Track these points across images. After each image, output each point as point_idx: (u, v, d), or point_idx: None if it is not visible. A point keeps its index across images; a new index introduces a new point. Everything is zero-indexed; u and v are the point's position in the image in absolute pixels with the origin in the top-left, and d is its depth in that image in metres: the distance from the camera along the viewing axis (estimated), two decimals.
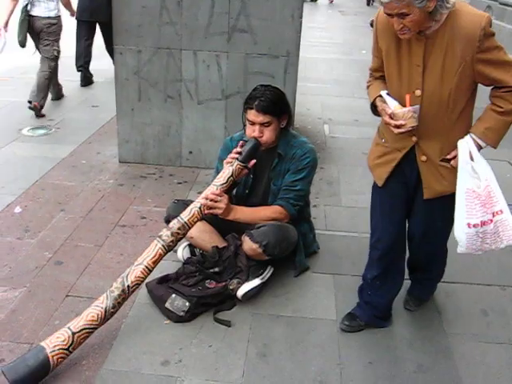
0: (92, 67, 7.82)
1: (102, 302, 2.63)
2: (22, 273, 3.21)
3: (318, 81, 8.33)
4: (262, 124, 3.01)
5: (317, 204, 4.17)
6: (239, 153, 2.97)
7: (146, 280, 2.86)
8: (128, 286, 2.69)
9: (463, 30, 2.16)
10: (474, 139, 2.32)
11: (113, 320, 2.72)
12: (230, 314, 2.94)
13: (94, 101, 6.98)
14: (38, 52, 6.45)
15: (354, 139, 5.63)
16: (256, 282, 3.03)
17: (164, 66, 4.55)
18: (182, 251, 3.30)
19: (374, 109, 2.53)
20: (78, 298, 3.00)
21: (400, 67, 2.35)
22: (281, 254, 3.07)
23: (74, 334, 2.50)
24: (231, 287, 2.99)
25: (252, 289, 3.00)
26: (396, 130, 2.33)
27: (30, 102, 6.09)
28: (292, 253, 3.22)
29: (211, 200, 2.89)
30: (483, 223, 2.30)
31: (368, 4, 22.97)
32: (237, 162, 2.94)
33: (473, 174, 2.30)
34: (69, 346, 2.47)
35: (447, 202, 2.45)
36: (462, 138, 2.34)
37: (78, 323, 2.54)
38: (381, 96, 2.43)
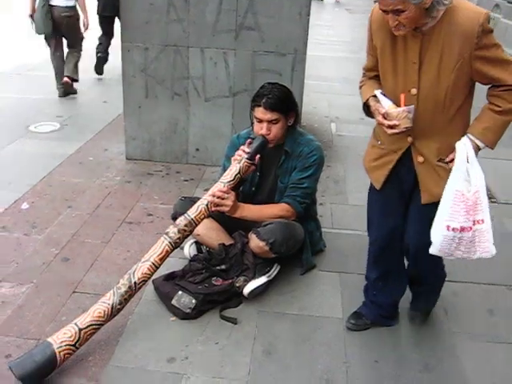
0: None
1: (109, 299, 2.64)
2: (28, 269, 3.22)
3: (326, 79, 8.31)
4: (269, 121, 3.00)
5: (323, 202, 4.16)
6: (247, 152, 2.96)
7: (153, 277, 2.87)
8: (135, 283, 2.70)
9: (461, 27, 2.11)
10: (471, 140, 2.25)
11: (119, 317, 2.73)
12: (237, 312, 2.94)
13: (102, 98, 6.99)
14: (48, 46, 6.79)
15: (360, 138, 5.60)
16: (262, 279, 3.03)
17: (171, 63, 4.56)
18: (189, 248, 3.31)
19: (367, 109, 2.46)
20: (84, 295, 3.01)
21: (395, 65, 2.29)
22: (287, 251, 3.07)
23: (80, 330, 2.51)
24: (238, 285, 2.99)
25: (258, 286, 3.00)
26: (389, 131, 2.26)
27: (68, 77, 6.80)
28: (299, 251, 3.21)
29: (218, 197, 2.89)
30: (462, 229, 2.23)
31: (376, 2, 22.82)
32: (244, 159, 2.94)
33: (466, 176, 2.22)
34: (75, 342, 2.48)
35: None
36: (460, 137, 2.26)
37: (84, 319, 2.55)
38: (374, 96, 2.37)
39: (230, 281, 3.00)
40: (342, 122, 6.18)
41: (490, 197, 4.48)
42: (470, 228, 2.24)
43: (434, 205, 2.31)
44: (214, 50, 4.48)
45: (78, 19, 6.70)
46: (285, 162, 3.16)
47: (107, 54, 7.72)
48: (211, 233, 3.19)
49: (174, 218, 3.02)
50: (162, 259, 2.80)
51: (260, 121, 3.02)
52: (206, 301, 2.89)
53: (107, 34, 7.72)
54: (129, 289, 2.68)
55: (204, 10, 4.36)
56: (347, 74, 8.61)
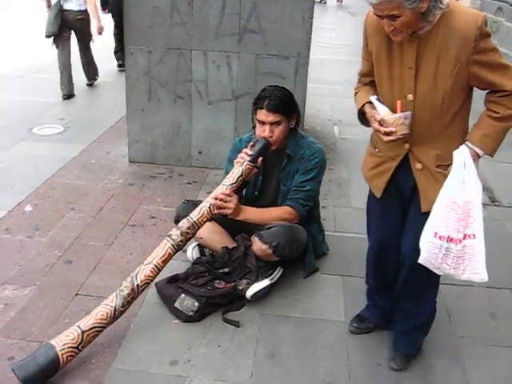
0: (102, 67, 7.87)
1: (112, 301, 2.64)
2: (32, 271, 3.23)
3: (328, 82, 8.32)
4: (272, 123, 3.01)
5: (326, 205, 4.16)
6: (250, 154, 2.97)
7: (156, 279, 2.87)
8: (137, 285, 2.70)
9: (458, 31, 2.04)
10: (470, 148, 2.18)
11: (122, 319, 2.73)
12: (239, 315, 2.94)
13: (105, 101, 7.00)
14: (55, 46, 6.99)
15: (363, 141, 5.55)
16: (265, 282, 3.04)
17: (174, 66, 4.57)
18: (192, 251, 3.31)
19: (362, 116, 2.40)
20: (87, 297, 3.02)
21: (391, 70, 2.22)
22: (290, 254, 3.07)
23: (83, 332, 2.51)
24: (240, 287, 2.99)
25: (261, 289, 3.00)
26: (386, 138, 2.20)
27: (88, 84, 7.58)
28: (301, 254, 3.21)
29: (221, 200, 2.89)
30: (450, 239, 2.14)
31: None
32: (247, 162, 2.94)
33: (461, 184, 2.14)
34: (78, 345, 2.48)
35: None
36: (459, 142, 2.20)
37: (87, 322, 2.55)
38: (370, 102, 2.30)
39: (233, 284, 3.00)
40: (345, 124, 6.19)
41: (493, 200, 4.48)
42: (460, 241, 2.15)
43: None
44: (217, 54, 4.49)
45: (89, 21, 7.11)
46: (287, 165, 3.16)
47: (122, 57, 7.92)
48: (214, 236, 3.20)
49: (177, 221, 3.02)
50: (165, 262, 2.80)
51: (262, 123, 3.03)
52: (208, 304, 2.89)
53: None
54: (131, 291, 2.69)
55: (207, 14, 4.37)
56: (350, 77, 8.55)
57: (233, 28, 4.39)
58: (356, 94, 2.49)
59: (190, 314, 2.84)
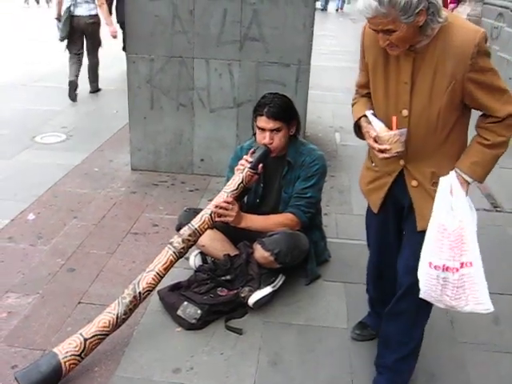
0: (103, 75, 7.91)
1: (114, 309, 2.65)
2: (34, 279, 3.23)
3: (330, 89, 8.34)
4: (272, 130, 3.02)
5: (328, 212, 4.17)
6: (250, 161, 2.98)
7: (158, 287, 2.87)
8: (139, 293, 2.71)
9: (455, 47, 1.95)
10: (459, 174, 2.10)
11: (125, 327, 2.74)
12: (242, 322, 2.94)
13: (107, 108, 7.03)
14: (68, 51, 7.37)
15: (365, 147, 5.58)
16: (267, 289, 3.04)
17: (176, 74, 4.59)
18: (194, 259, 3.31)
19: (358, 130, 2.33)
20: (90, 305, 3.02)
21: (387, 84, 2.14)
22: (292, 262, 3.07)
23: (86, 340, 2.51)
24: (243, 295, 2.99)
25: (263, 297, 3.00)
26: (380, 155, 2.13)
27: (92, 91, 7.68)
28: (303, 261, 3.22)
29: (222, 208, 2.90)
30: (446, 268, 2.05)
31: None
32: (247, 169, 2.95)
33: (449, 210, 2.06)
34: (81, 352, 2.49)
35: None
36: (456, 160, 2.13)
37: (89, 329, 2.56)
38: (366, 116, 2.23)
39: (235, 291, 3.01)
40: (347, 131, 6.18)
41: (495, 205, 4.48)
42: (457, 270, 2.05)
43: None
44: (219, 61, 4.51)
45: (99, 25, 7.36)
46: (288, 172, 3.17)
47: None
48: (216, 244, 3.20)
49: (179, 229, 3.02)
50: (167, 269, 2.81)
51: (262, 130, 3.04)
52: (211, 311, 2.89)
53: None
54: (133, 299, 2.69)
55: (209, 22, 4.39)
56: (351, 84, 8.55)
57: (234, 36, 4.41)
58: (353, 105, 2.42)
59: (193, 321, 2.84)
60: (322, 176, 3.20)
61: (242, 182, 2.95)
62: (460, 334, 2.91)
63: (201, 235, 2.90)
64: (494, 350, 2.82)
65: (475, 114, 2.15)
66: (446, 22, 1.95)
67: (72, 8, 6.94)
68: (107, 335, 2.62)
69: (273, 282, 3.09)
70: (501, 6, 9.73)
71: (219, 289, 3.02)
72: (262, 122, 3.02)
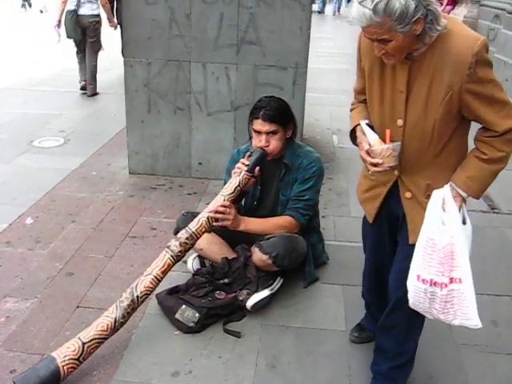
0: (101, 79, 7.93)
1: (112, 313, 2.65)
2: (33, 284, 3.23)
3: (327, 91, 8.35)
4: (268, 133, 3.03)
5: (326, 214, 4.17)
6: (246, 164, 2.98)
7: (156, 291, 2.88)
8: (137, 297, 2.71)
9: (452, 55, 1.85)
10: (454, 188, 2.02)
11: (123, 331, 2.74)
12: (240, 325, 2.94)
13: (105, 112, 7.03)
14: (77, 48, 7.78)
15: None
16: (265, 292, 3.04)
17: (173, 78, 4.59)
18: (192, 262, 3.32)
19: (354, 138, 2.25)
20: (88, 309, 3.02)
21: (382, 92, 2.06)
22: (290, 265, 3.08)
23: (84, 344, 2.52)
24: (241, 298, 2.99)
25: (261, 300, 3.01)
26: (372, 169, 2.06)
27: (85, 92, 7.79)
28: (301, 264, 3.22)
29: (219, 212, 2.90)
30: (434, 283, 1.99)
31: None
32: (244, 172, 2.96)
33: (440, 225, 1.98)
34: (79, 356, 2.49)
35: None
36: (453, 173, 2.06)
37: (88, 333, 2.56)
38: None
39: (234, 294, 3.01)
40: (344, 134, 6.17)
41: (493, 207, 4.49)
42: (445, 285, 1.99)
43: None
44: (216, 65, 4.52)
45: (101, 25, 7.65)
46: (285, 175, 3.18)
47: None
48: (213, 247, 3.20)
49: (177, 233, 3.03)
50: (164, 273, 2.81)
51: (259, 133, 3.04)
52: (209, 314, 2.90)
53: None
54: (131, 302, 2.69)
55: (205, 26, 4.40)
56: (349, 86, 8.58)
57: (231, 39, 4.42)
58: (351, 110, 2.36)
59: (191, 325, 2.85)
60: (319, 178, 3.21)
61: (238, 185, 2.95)
62: (458, 336, 2.91)
63: (198, 238, 2.90)
64: (491, 351, 2.82)
65: (475, 125, 2.08)
66: (446, 30, 1.84)
67: (76, 7, 7.27)
68: (105, 339, 2.62)
69: (271, 285, 3.10)
70: (497, 8, 9.77)
71: (217, 292, 3.02)
72: (258, 124, 3.03)
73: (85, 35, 7.54)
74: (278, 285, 3.16)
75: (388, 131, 2.03)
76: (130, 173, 4.94)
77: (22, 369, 2.52)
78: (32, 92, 7.95)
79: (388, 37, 1.79)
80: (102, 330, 2.59)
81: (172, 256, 2.81)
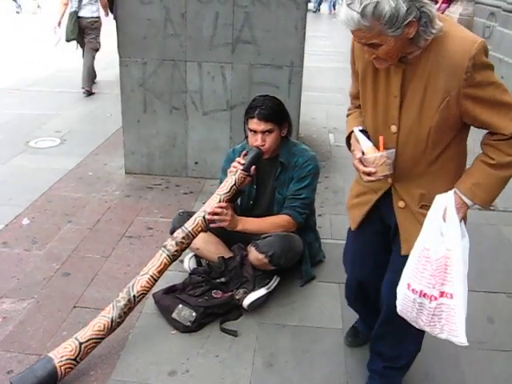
0: (97, 78, 7.96)
1: (109, 313, 2.65)
2: (29, 284, 3.23)
3: (323, 90, 8.36)
4: (263, 132, 3.03)
5: (322, 213, 4.18)
6: (242, 163, 2.99)
7: (152, 290, 2.88)
8: (134, 296, 2.71)
9: (448, 58, 1.74)
10: (458, 196, 1.89)
11: (120, 330, 2.74)
12: (237, 324, 2.95)
13: (101, 112, 7.03)
14: (79, 47, 7.94)
15: None
16: (262, 291, 3.04)
17: (169, 77, 4.59)
18: (189, 262, 3.32)
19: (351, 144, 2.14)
20: (85, 309, 3.02)
21: (376, 96, 1.96)
22: (286, 263, 3.08)
23: (81, 344, 2.52)
24: (237, 297, 3.00)
25: (258, 298, 3.01)
26: (365, 178, 1.96)
27: (83, 88, 7.80)
28: (298, 262, 3.23)
29: (215, 213, 2.90)
30: (423, 294, 1.90)
31: None
32: (240, 171, 2.96)
33: (438, 235, 1.88)
34: (76, 356, 2.49)
35: None
36: (450, 183, 1.94)
37: (85, 333, 2.56)
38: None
39: (230, 293, 3.02)
40: (340, 132, 6.19)
41: (489, 205, 4.49)
42: (435, 298, 1.90)
43: None
44: (211, 64, 4.52)
45: (100, 26, 7.82)
46: (281, 173, 3.18)
47: None
48: (210, 246, 3.21)
49: (173, 233, 3.03)
50: (161, 272, 2.81)
51: (254, 132, 3.05)
52: (206, 314, 2.90)
53: None
54: (128, 302, 2.69)
55: (201, 25, 4.40)
56: (345, 85, 8.62)
57: (226, 38, 4.42)
58: (348, 116, 2.26)
59: (188, 324, 2.85)
60: (315, 176, 3.21)
61: (234, 184, 2.96)
62: None
63: (194, 238, 2.90)
64: (488, 348, 2.83)
65: (473, 132, 2.01)
66: (441, 32, 1.73)
67: (77, 9, 7.46)
68: (102, 339, 2.62)
69: (267, 284, 3.10)
70: (492, 6, 9.78)
71: (214, 291, 3.02)
72: (254, 124, 3.03)
73: (83, 35, 7.65)
74: (275, 283, 3.16)
75: (381, 138, 1.94)
76: (126, 173, 4.94)
77: (19, 369, 2.52)
78: (28, 92, 7.94)
79: (378, 41, 1.69)
80: (99, 330, 2.59)
81: (168, 255, 2.81)
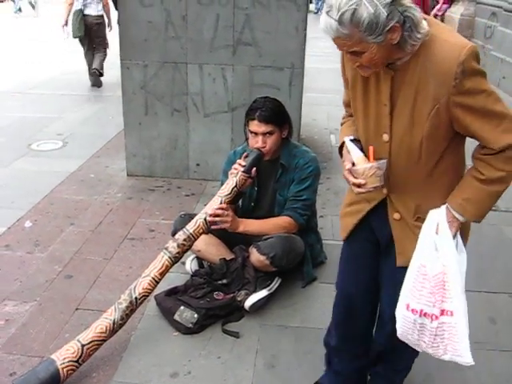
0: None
1: (111, 314, 2.66)
2: (32, 287, 3.24)
3: (324, 91, 8.35)
4: (264, 134, 3.04)
5: (324, 214, 4.18)
6: (243, 165, 2.99)
7: (154, 292, 2.89)
8: (136, 298, 2.72)
9: (436, 63, 1.65)
10: (449, 211, 1.82)
11: (122, 332, 2.75)
12: (238, 326, 2.95)
13: (103, 114, 7.04)
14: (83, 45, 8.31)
15: None
16: (263, 293, 3.05)
17: (170, 79, 4.60)
18: (190, 263, 3.33)
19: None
20: (87, 311, 3.03)
21: (366, 105, 1.87)
22: (288, 265, 3.09)
23: (83, 346, 2.53)
24: (239, 298, 3.00)
25: (260, 300, 3.02)
26: (355, 190, 1.86)
27: (94, 69, 8.27)
28: (299, 263, 3.23)
29: (217, 215, 2.91)
30: (424, 314, 1.82)
31: None
32: (240, 173, 2.97)
33: (433, 251, 1.81)
34: (78, 358, 2.50)
35: None
36: (447, 198, 1.85)
37: (87, 335, 2.57)
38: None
39: (232, 295, 3.02)
40: None
41: None
42: (436, 317, 1.82)
43: None
44: (212, 66, 4.53)
45: (104, 25, 8.30)
46: (282, 175, 3.19)
47: None
48: (211, 248, 3.21)
49: (174, 235, 3.04)
50: (162, 274, 2.82)
51: (255, 134, 3.06)
52: (207, 315, 2.90)
53: None
54: (130, 304, 2.70)
55: (201, 27, 4.41)
56: None
57: (227, 40, 4.43)
58: (341, 124, 2.18)
59: (190, 325, 2.86)
60: (316, 178, 3.22)
61: (235, 186, 2.96)
62: None
63: (196, 240, 2.91)
64: (489, 348, 2.83)
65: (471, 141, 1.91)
66: (429, 36, 1.65)
67: (83, 7, 7.85)
68: (104, 341, 2.63)
69: (269, 285, 3.11)
70: (494, 6, 9.78)
71: (216, 293, 3.03)
72: (254, 126, 3.04)
73: (90, 34, 8.06)
74: (276, 285, 3.17)
75: (371, 148, 1.85)
76: (127, 175, 4.95)
77: (21, 371, 2.53)
78: (30, 95, 7.96)
79: (359, 49, 1.61)
80: (101, 332, 2.60)
81: (170, 257, 2.82)
